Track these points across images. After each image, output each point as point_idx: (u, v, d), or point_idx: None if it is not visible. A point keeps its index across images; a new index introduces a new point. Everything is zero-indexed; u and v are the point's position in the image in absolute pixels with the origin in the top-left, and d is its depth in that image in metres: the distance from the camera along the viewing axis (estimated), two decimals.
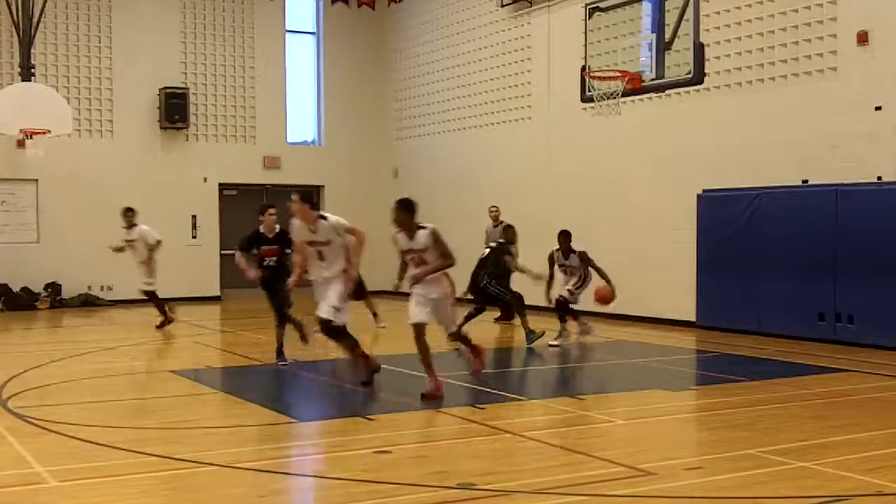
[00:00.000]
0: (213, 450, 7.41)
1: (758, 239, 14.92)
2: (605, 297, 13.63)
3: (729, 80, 15.45)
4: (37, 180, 19.91)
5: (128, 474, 6.73)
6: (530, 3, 19.40)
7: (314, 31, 23.78)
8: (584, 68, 17.81)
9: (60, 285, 20.46)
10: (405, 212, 9.61)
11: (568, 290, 13.94)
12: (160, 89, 21.51)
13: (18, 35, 18.88)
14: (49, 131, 17.88)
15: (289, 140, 23.37)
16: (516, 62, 19.80)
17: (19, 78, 18.84)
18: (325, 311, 9.87)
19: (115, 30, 21.27)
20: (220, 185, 22.39)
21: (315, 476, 6.99)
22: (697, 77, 15.90)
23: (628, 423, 8.39)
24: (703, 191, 15.79)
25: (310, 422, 8.92)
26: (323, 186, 23.39)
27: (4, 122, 17.56)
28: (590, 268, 13.97)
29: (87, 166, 20.45)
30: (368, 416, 8.62)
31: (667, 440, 7.92)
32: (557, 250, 14.00)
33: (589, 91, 16.95)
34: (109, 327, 17.66)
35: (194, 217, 22.07)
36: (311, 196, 10.32)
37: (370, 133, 23.81)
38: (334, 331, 10.05)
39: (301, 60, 23.70)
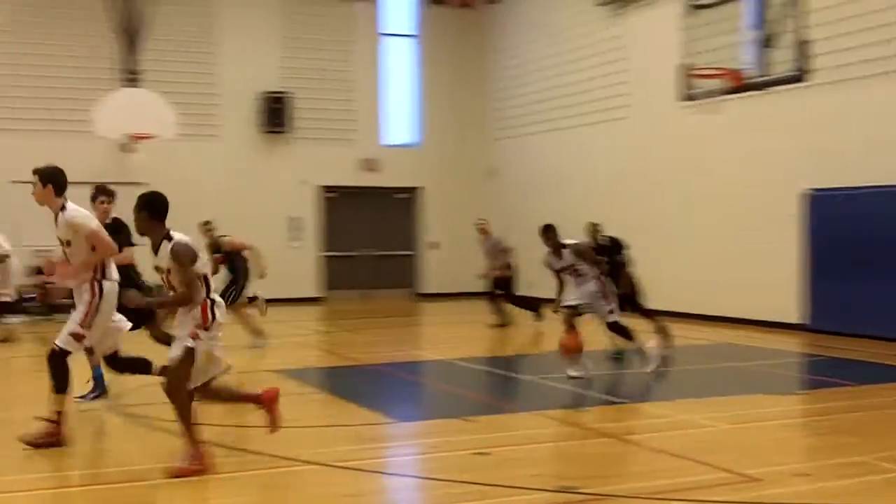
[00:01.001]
0: (314, 448, 7.48)
1: (872, 239, 14.46)
2: (568, 348, 10.79)
3: (834, 76, 15.02)
4: (143, 184, 20.37)
5: (230, 472, 6.84)
6: (626, 1, 19.18)
7: (412, 33, 23.89)
8: (682, 67, 17.53)
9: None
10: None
11: (607, 308, 11.04)
12: (261, 94, 21.88)
13: (123, 41, 19.40)
14: (154, 136, 18.31)
15: (387, 142, 23.54)
16: (613, 61, 19.59)
17: (126, 84, 19.34)
18: (60, 339, 7.61)
19: (217, 36, 21.68)
20: (319, 187, 22.66)
21: (414, 476, 7.00)
22: (801, 73, 15.49)
23: (733, 428, 8.21)
24: (813, 190, 15.39)
25: (409, 422, 8.94)
26: (422, 188, 23.49)
27: (112, 127, 18.04)
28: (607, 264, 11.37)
29: (191, 170, 20.88)
30: (467, 418, 8.61)
31: (772, 445, 7.72)
32: (548, 252, 11.26)
33: (688, 90, 16.66)
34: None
35: (294, 219, 22.38)
36: (53, 174, 7.90)
37: (468, 134, 23.84)
38: (114, 362, 8.32)
39: (399, 62, 23.84)
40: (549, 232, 11.06)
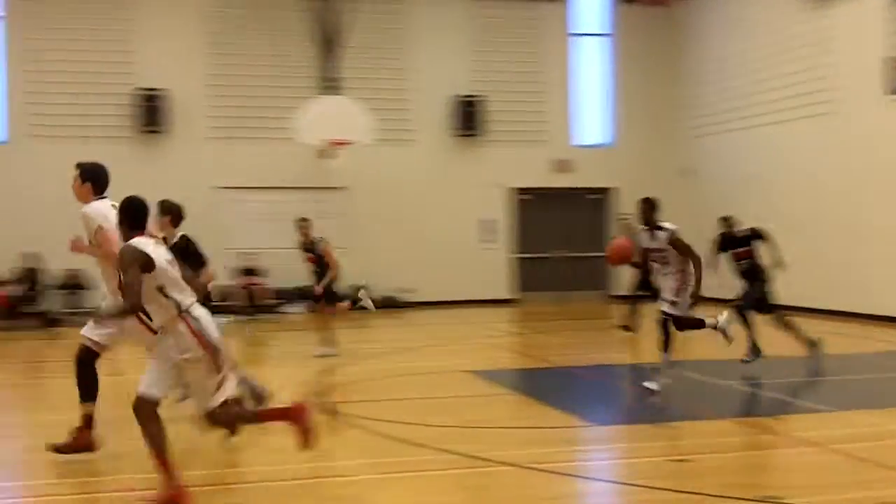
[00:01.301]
0: (509, 450, 7.50)
1: None
2: (619, 254, 10.20)
3: None
4: (343, 188, 21.04)
5: (427, 470, 6.94)
6: None
7: (605, 32, 23.66)
8: (890, 59, 16.68)
9: (366, 287, 21.46)
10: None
11: (668, 299, 9.92)
12: (453, 97, 22.16)
13: (322, 51, 20.06)
14: (352, 142, 18.83)
15: (579, 143, 23.39)
16: (814, 55, 18.81)
17: (325, 92, 19.96)
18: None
19: (410, 42, 22.08)
20: (512, 189, 22.75)
21: (608, 481, 6.92)
22: None
23: None
24: None
25: (605, 426, 8.84)
26: (615, 188, 23.23)
27: (311, 134, 18.68)
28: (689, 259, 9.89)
29: (388, 174, 21.36)
30: (664, 423, 8.44)
31: None
32: (641, 229, 10.17)
33: None
34: (410, 328, 18.34)
35: (487, 221, 22.54)
36: (95, 172, 7.74)
37: (662, 133, 23.41)
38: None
39: (590, 62, 23.64)
40: (645, 205, 10.00)
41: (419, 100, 21.96)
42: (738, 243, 12.09)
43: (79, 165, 7.76)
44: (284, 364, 13.14)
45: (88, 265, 19.00)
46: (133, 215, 6.35)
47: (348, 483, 6.69)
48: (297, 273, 21.23)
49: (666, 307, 9.84)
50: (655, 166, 23.06)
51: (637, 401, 10.20)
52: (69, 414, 7.45)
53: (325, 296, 13.66)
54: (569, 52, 23.37)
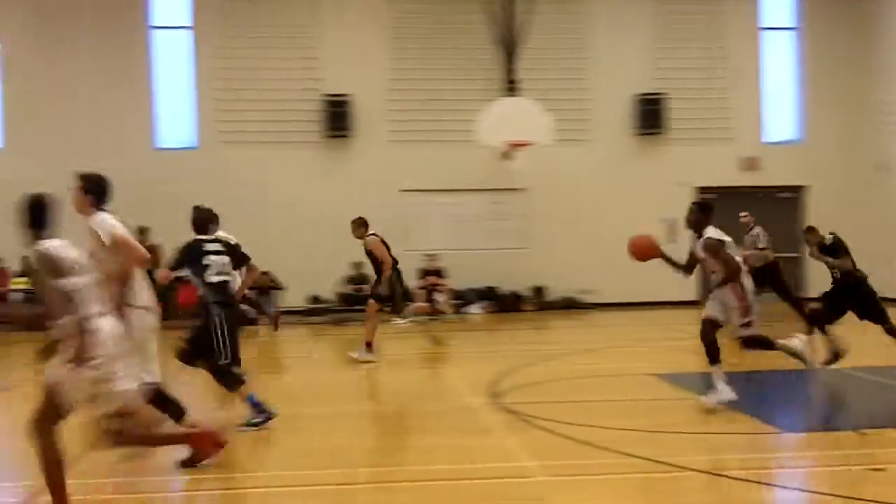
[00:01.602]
0: (694, 455, 7.30)
1: None
2: (642, 249, 9.81)
3: None
4: (523, 189, 21.04)
5: (609, 474, 6.84)
6: None
7: (792, 26, 22.82)
8: None
9: (545, 288, 21.44)
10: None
11: (738, 322, 9.31)
12: (635, 95, 21.82)
13: (502, 52, 20.12)
14: (532, 143, 18.80)
15: (767, 140, 22.63)
16: None
17: (505, 93, 20.01)
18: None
19: (591, 41, 21.88)
20: (696, 188, 22.21)
21: (803, 490, 6.64)
22: None
23: None
24: None
25: (796, 433, 8.49)
26: (807, 186, 22.36)
27: (492, 135, 18.76)
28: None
29: (568, 174, 21.23)
30: (861, 431, 8.03)
31: None
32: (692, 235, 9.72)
33: None
34: (591, 329, 18.17)
35: (671, 221, 22.07)
36: (95, 183, 7.44)
37: (856, 128, 22.37)
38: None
39: (777, 57, 22.84)
40: (693, 206, 9.63)
41: (599, 99, 21.74)
42: (828, 252, 11.71)
43: (80, 176, 7.40)
44: (465, 364, 13.21)
45: (278, 266, 19.79)
46: (37, 214, 5.99)
47: (528, 484, 6.66)
48: (477, 274, 21.48)
49: (740, 332, 9.29)
50: (848, 163, 22.09)
51: (832, 407, 9.77)
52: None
53: (377, 296, 13.39)
54: (755, 47, 22.65)
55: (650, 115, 21.74)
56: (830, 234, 11.93)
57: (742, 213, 16.08)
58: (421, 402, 10.00)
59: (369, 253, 13.49)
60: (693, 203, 9.71)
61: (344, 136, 20.84)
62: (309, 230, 20.02)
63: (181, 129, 20.74)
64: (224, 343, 8.53)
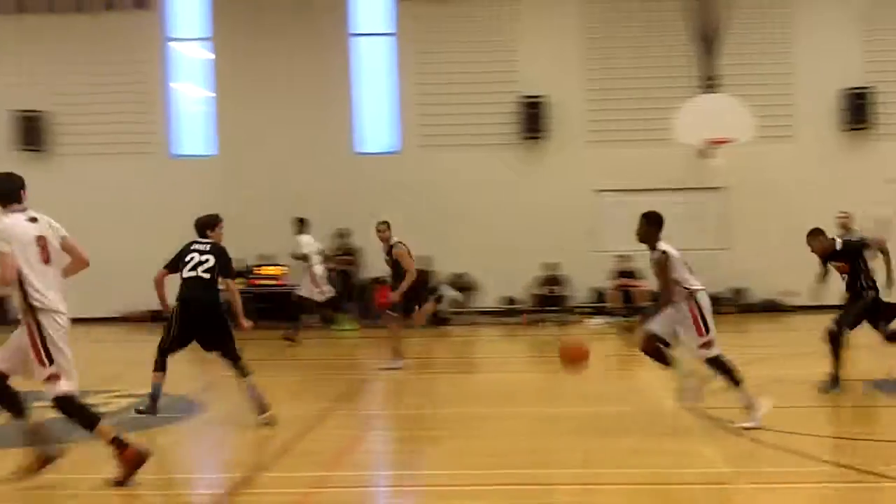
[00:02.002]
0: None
1: None
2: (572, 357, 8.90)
3: None
4: (722, 188, 20.53)
5: (806, 483, 6.66)
6: None
7: None
8: None
9: (746, 290, 20.85)
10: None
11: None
12: (841, 90, 20.93)
13: (701, 47, 19.71)
14: (732, 140, 18.33)
15: None
16: None
17: (704, 90, 19.59)
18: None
19: (794, 34, 21.12)
20: None
21: None
22: None
23: None
24: None
25: None
26: None
27: (690, 133, 18.40)
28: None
29: (769, 172, 20.58)
30: None
31: None
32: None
33: None
34: (793, 333, 17.59)
35: (881, 219, 21.04)
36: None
37: None
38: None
39: None
40: (641, 218, 8.77)
41: (802, 94, 20.98)
42: (837, 256, 10.71)
43: None
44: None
45: (474, 267, 20.08)
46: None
47: (725, 491, 6.55)
48: None
49: (699, 353, 8.56)
50: None
51: None
52: None
53: (402, 304, 12.87)
54: None
55: (857, 110, 20.80)
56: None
57: (841, 212, 14.65)
58: (616, 405, 9.94)
59: (394, 261, 12.88)
60: (642, 215, 8.81)
61: (539, 138, 20.91)
62: (503, 231, 20.20)
63: (380, 134, 21.29)
64: (170, 331, 9.24)
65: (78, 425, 6.88)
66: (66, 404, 6.77)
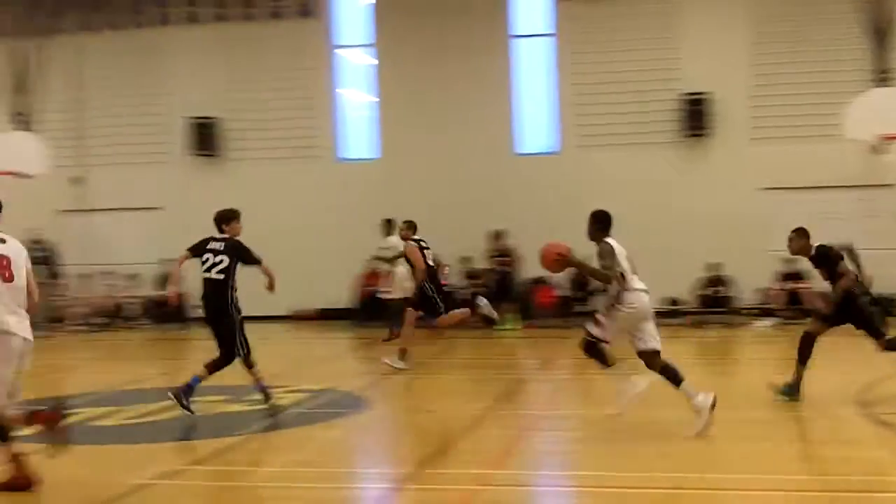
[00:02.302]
0: None
1: None
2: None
3: None
4: (893, 185, 19.69)
5: None
6: None
7: None
8: None
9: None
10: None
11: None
12: None
13: (873, 40, 18.95)
14: None
15: None
16: None
17: (876, 83, 18.84)
18: None
19: None
20: None
21: None
22: None
23: None
24: None
25: None
26: None
27: (861, 128, 17.71)
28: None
29: None
30: None
31: None
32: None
33: None
34: None
35: None
36: None
37: None
38: None
39: None
40: (590, 217, 8.91)
41: None
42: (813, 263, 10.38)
43: None
44: (831, 371, 12.61)
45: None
46: None
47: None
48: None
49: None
50: None
51: None
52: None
53: (418, 303, 13.07)
54: None
55: None
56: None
57: None
58: (789, 409, 9.67)
59: (407, 258, 13.50)
60: (591, 213, 8.93)
61: (702, 136, 20.51)
62: (663, 231, 19.86)
63: (540, 135, 21.31)
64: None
65: None
66: None
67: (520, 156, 21.31)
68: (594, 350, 8.68)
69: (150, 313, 20.78)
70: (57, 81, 21.17)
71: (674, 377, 8.43)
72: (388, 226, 16.85)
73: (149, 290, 20.84)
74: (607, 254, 8.51)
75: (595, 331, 8.57)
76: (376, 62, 21.77)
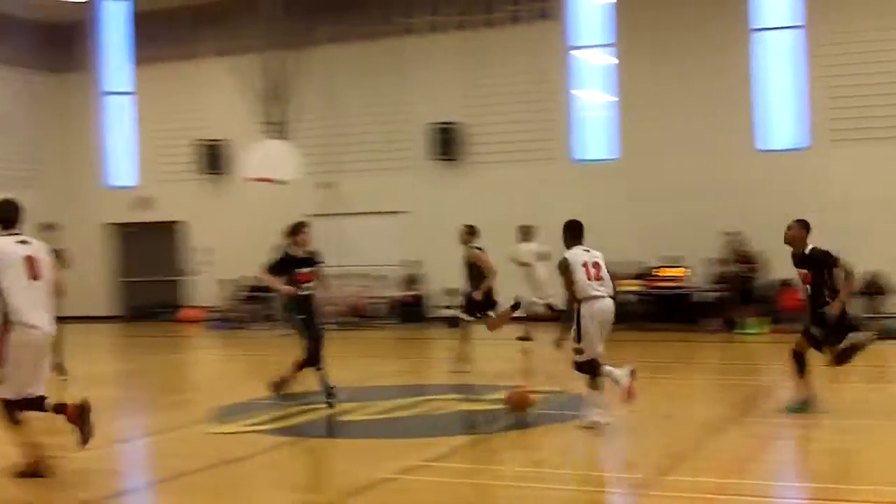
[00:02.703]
0: None
1: None
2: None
3: None
4: None
5: None
6: None
7: None
8: None
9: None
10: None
11: None
12: None
13: None
14: None
15: None
16: None
17: None
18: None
19: None
20: None
21: None
22: None
23: None
24: None
25: None
26: None
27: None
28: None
29: None
30: None
31: None
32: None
33: None
34: None
35: None
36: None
37: None
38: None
39: None
40: (564, 226, 9.63)
41: None
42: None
43: None
44: None
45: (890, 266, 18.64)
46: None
47: None
48: None
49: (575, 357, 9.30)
50: None
51: None
52: None
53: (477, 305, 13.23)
54: None
55: None
56: None
57: None
58: None
59: (470, 264, 13.41)
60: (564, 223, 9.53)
61: None
62: None
63: (784, 131, 20.45)
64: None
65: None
66: None
67: (764, 152, 20.51)
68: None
69: (396, 312, 21.57)
70: (308, 91, 22.31)
71: None
72: (525, 233, 15.99)
73: (394, 291, 21.61)
74: (565, 272, 9.14)
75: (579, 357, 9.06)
76: (615, 61, 21.60)
